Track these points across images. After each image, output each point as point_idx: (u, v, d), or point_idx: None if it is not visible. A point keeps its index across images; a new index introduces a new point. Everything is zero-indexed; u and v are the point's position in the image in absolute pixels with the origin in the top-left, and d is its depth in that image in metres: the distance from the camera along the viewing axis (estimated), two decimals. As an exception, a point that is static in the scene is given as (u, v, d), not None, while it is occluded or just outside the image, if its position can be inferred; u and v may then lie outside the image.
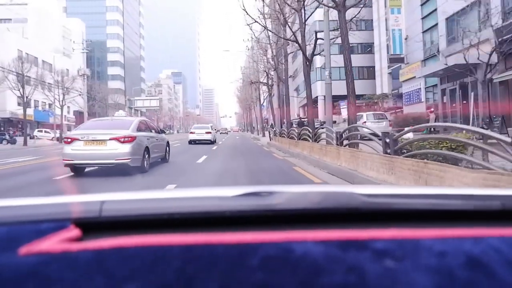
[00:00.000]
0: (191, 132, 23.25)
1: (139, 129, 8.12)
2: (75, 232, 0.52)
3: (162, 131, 10.67)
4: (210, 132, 22.94)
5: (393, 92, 36.48)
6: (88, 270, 0.43)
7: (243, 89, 58.05)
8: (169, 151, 10.57)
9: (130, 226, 0.55)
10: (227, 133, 64.29)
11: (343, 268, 0.43)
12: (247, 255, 0.45)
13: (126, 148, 7.34)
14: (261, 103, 37.62)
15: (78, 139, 7.43)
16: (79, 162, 7.43)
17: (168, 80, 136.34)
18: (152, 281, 0.42)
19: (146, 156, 7.97)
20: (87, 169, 8.29)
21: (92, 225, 0.55)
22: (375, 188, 0.80)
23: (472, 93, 16.66)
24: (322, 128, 11.89)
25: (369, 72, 43.98)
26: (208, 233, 0.50)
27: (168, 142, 10.58)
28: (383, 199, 0.65)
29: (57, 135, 36.43)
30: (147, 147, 8.03)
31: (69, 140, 7.63)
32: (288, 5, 14.60)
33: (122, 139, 7.38)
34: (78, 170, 7.79)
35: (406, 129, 6.77)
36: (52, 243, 0.47)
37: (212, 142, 22.35)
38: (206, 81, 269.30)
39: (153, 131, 9.19)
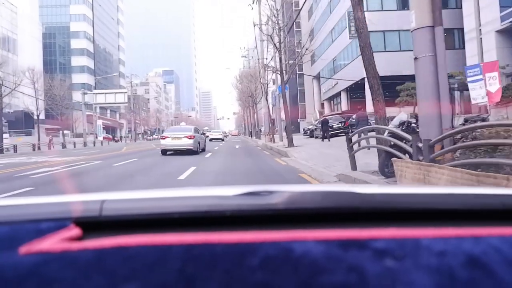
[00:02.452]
0: (210, 134, 38.19)
1: (194, 132, 15.72)
2: (75, 231, 0.52)
3: (203, 133, 21.62)
4: (221, 134, 39.69)
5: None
6: (88, 269, 0.44)
7: (241, 81, 41.61)
8: (205, 144, 18.34)
9: (130, 225, 0.55)
10: (225, 137, 49.18)
11: (344, 268, 0.44)
12: (247, 254, 0.45)
13: (191, 141, 14.75)
14: (284, 82, 20.68)
15: (168, 137, 14.97)
16: (169, 148, 14.94)
17: (157, 78, 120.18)
18: (153, 281, 0.42)
19: (198, 146, 15.63)
20: (168, 152, 15.38)
21: (93, 225, 0.55)
22: (375, 188, 0.80)
23: None
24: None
25: (447, 38, 27.95)
26: (208, 232, 0.50)
27: (205, 140, 19.22)
28: (383, 198, 0.65)
29: None
30: (198, 141, 15.78)
31: (164, 137, 15.25)
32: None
33: (189, 137, 14.82)
34: (164, 152, 15.16)
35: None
36: (52, 243, 0.48)
37: (222, 140, 36.04)
38: (203, 84, 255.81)
39: (199, 132, 16.94)
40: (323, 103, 43.37)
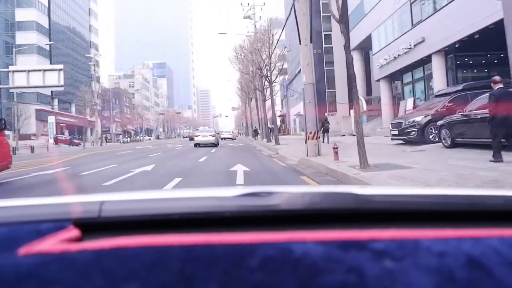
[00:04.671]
0: (222, 134, 42.58)
1: (215, 132, 24.06)
2: (74, 232, 0.52)
3: (218, 133, 30.90)
4: (231, 133, 44.32)
5: None
6: (88, 270, 0.44)
7: (242, 56, 26.08)
8: (219, 141, 25.79)
9: (129, 226, 0.55)
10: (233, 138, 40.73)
11: (343, 269, 0.44)
12: (246, 255, 0.46)
13: (214, 138, 22.63)
14: None
15: (199, 135, 23.16)
16: (200, 143, 22.46)
17: (144, 70, 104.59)
18: (152, 282, 0.42)
19: (218, 141, 23.93)
20: (199, 146, 22.12)
21: (92, 226, 0.55)
22: (375, 189, 0.79)
23: None
24: None
25: None
26: (208, 233, 0.50)
27: (220, 138, 28.54)
28: (382, 199, 0.65)
29: None
30: (218, 138, 24.34)
31: (196, 135, 23.71)
32: None
33: (212, 135, 22.86)
34: (197, 146, 22.20)
35: None
36: (51, 244, 0.48)
37: (233, 139, 40.07)
38: (202, 83, 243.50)
39: (216, 133, 25.33)
40: (377, 85, 27.71)
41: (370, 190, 0.69)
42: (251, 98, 44.37)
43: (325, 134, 20.39)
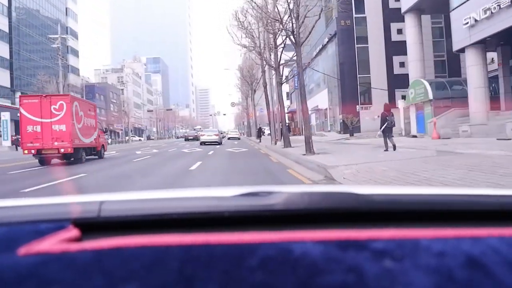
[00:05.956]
0: (228, 134, 49.81)
1: (218, 132, 30.67)
2: (74, 232, 0.52)
3: (222, 133, 37.50)
4: (237, 133, 49.25)
5: None
6: (87, 270, 0.44)
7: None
8: (222, 140, 31.43)
9: (129, 226, 0.55)
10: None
11: (342, 268, 0.44)
12: (246, 255, 0.46)
13: (217, 137, 28.48)
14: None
15: (205, 135, 29.24)
16: (205, 141, 27.93)
17: (135, 64, 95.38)
18: (151, 282, 0.42)
19: (221, 140, 29.90)
20: (204, 144, 26.88)
21: (91, 226, 0.55)
22: (374, 188, 0.80)
23: None
24: None
25: None
26: (207, 233, 0.50)
27: (222, 137, 34.14)
28: (381, 198, 0.65)
29: None
30: (221, 138, 30.85)
31: (202, 134, 29.80)
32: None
33: (216, 134, 28.98)
34: (202, 144, 27.05)
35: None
36: (51, 244, 0.48)
37: (238, 138, 43.50)
38: (201, 82, 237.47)
39: (219, 132, 31.64)
40: (429, 64, 18.69)
41: (370, 189, 0.69)
42: (255, 90, 35.46)
43: (388, 135, 11.38)
